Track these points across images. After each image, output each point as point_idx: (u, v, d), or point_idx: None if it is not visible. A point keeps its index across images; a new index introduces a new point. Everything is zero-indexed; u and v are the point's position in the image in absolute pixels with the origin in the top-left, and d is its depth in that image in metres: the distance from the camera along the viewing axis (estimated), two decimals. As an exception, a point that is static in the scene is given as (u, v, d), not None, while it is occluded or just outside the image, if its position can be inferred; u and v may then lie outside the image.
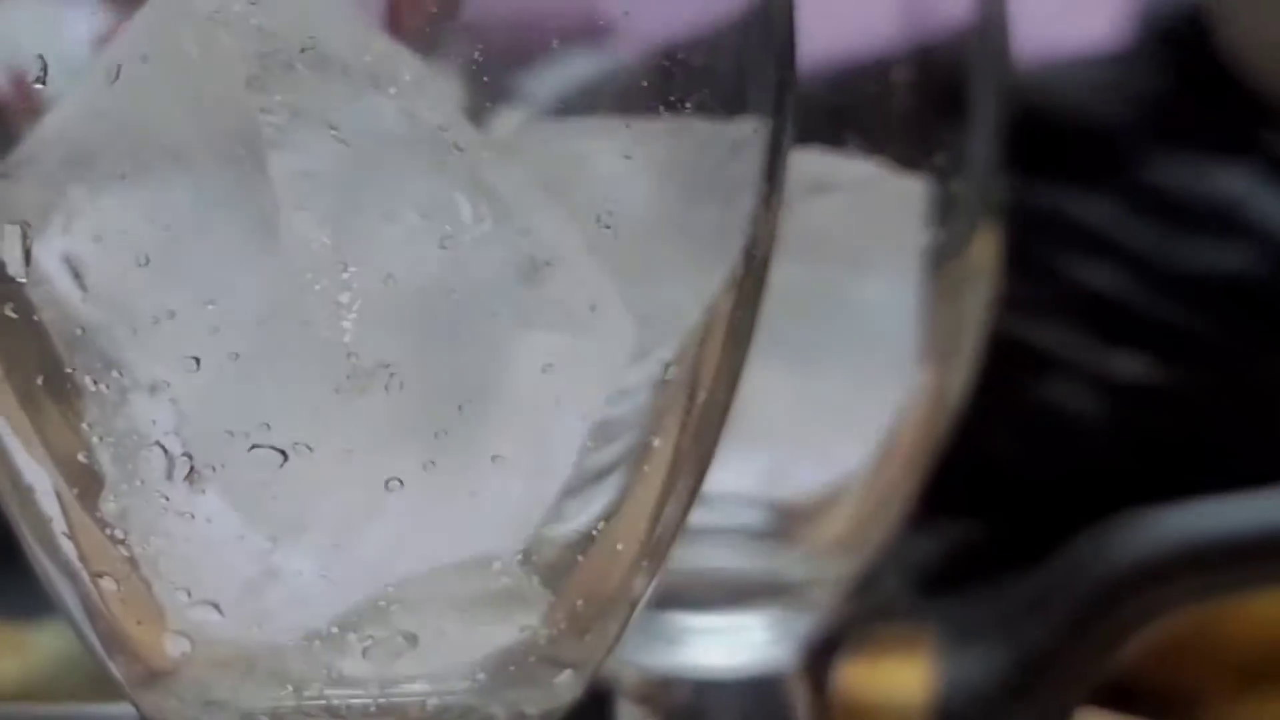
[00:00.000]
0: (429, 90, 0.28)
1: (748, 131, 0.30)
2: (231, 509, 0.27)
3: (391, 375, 0.26)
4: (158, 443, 0.26)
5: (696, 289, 0.30)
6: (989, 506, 0.79)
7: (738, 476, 0.41)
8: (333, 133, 0.27)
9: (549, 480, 0.28)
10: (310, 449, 0.26)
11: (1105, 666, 0.46)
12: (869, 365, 0.41)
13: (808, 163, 0.40)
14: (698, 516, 0.42)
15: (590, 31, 0.29)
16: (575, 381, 0.28)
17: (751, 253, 0.30)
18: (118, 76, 0.27)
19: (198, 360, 0.26)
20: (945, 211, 0.41)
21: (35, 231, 0.27)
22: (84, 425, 0.27)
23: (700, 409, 0.30)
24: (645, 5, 0.28)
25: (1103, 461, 0.79)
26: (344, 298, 0.26)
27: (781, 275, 0.39)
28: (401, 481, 0.27)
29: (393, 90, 0.28)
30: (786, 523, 0.42)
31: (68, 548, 0.28)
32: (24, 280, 0.27)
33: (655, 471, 0.30)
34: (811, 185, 0.40)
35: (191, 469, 0.26)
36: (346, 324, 0.26)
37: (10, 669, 0.53)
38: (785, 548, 0.43)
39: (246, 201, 0.27)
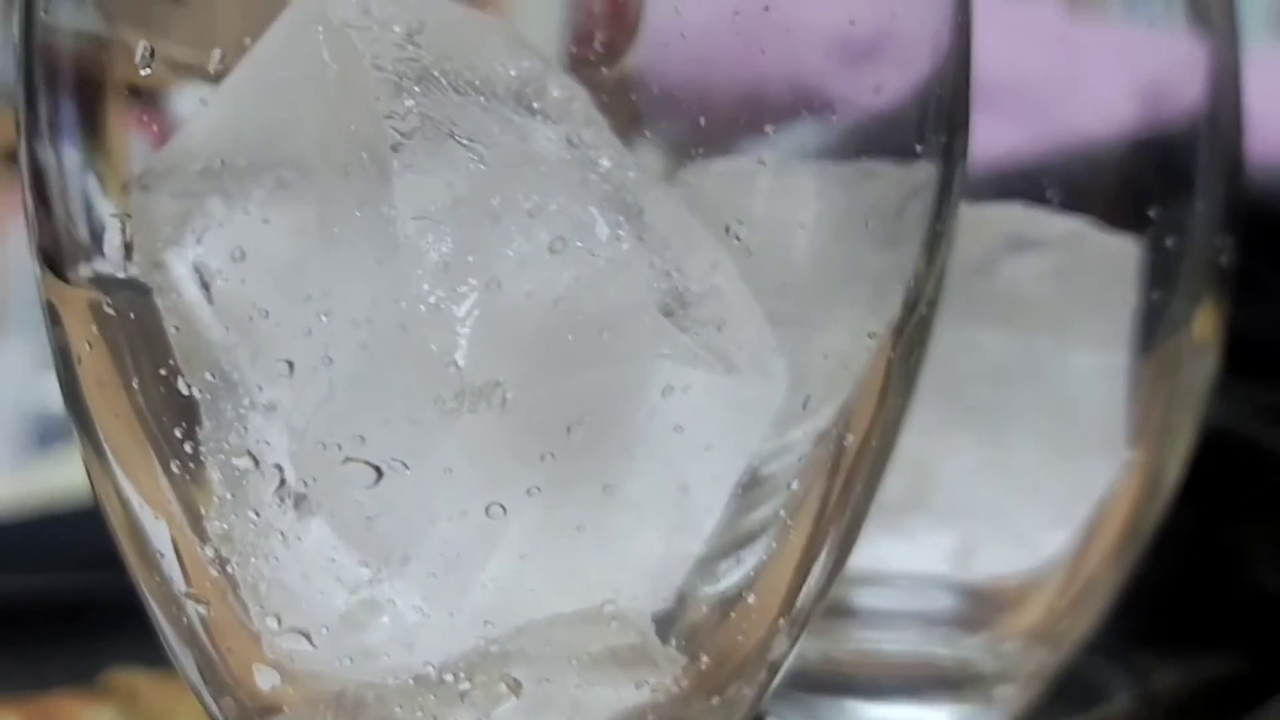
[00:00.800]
0: (578, 110, 0.27)
1: (925, 177, 0.27)
2: (327, 530, 0.25)
3: (502, 394, 0.24)
4: (250, 453, 0.25)
5: (859, 338, 0.28)
6: (1250, 638, 0.73)
7: (924, 555, 0.38)
8: (463, 144, 0.25)
9: (687, 533, 0.26)
10: (406, 466, 0.24)
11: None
12: (1071, 441, 0.38)
13: (1010, 218, 0.38)
14: (880, 598, 0.39)
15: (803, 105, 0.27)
16: (715, 423, 0.26)
17: (914, 301, 0.28)
18: (254, 86, 0.26)
19: (308, 370, 0.24)
20: (1161, 276, 0.38)
21: (170, 242, 0.26)
22: (197, 441, 0.26)
23: (853, 464, 0.28)
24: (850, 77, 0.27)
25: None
26: (460, 310, 0.24)
27: (979, 338, 0.36)
28: (504, 508, 0.24)
29: (535, 105, 0.26)
30: (976, 609, 0.39)
31: (172, 571, 0.27)
32: (154, 289, 0.26)
33: (803, 527, 0.28)
34: (1014, 242, 0.37)
35: (282, 482, 0.25)
36: (460, 338, 0.24)
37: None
38: (974, 636, 0.39)
39: (369, 211, 0.25)
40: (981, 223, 0.37)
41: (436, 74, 0.26)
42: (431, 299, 0.24)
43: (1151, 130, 0.40)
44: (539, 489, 0.24)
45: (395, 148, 0.25)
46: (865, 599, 0.39)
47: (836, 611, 0.39)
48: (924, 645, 0.39)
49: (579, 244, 0.25)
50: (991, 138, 0.40)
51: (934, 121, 0.28)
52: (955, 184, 0.28)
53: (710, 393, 0.25)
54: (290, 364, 0.25)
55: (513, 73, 0.26)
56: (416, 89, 0.25)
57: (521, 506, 0.24)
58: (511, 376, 0.24)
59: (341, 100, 0.26)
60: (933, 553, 0.38)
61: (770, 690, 0.29)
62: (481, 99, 0.26)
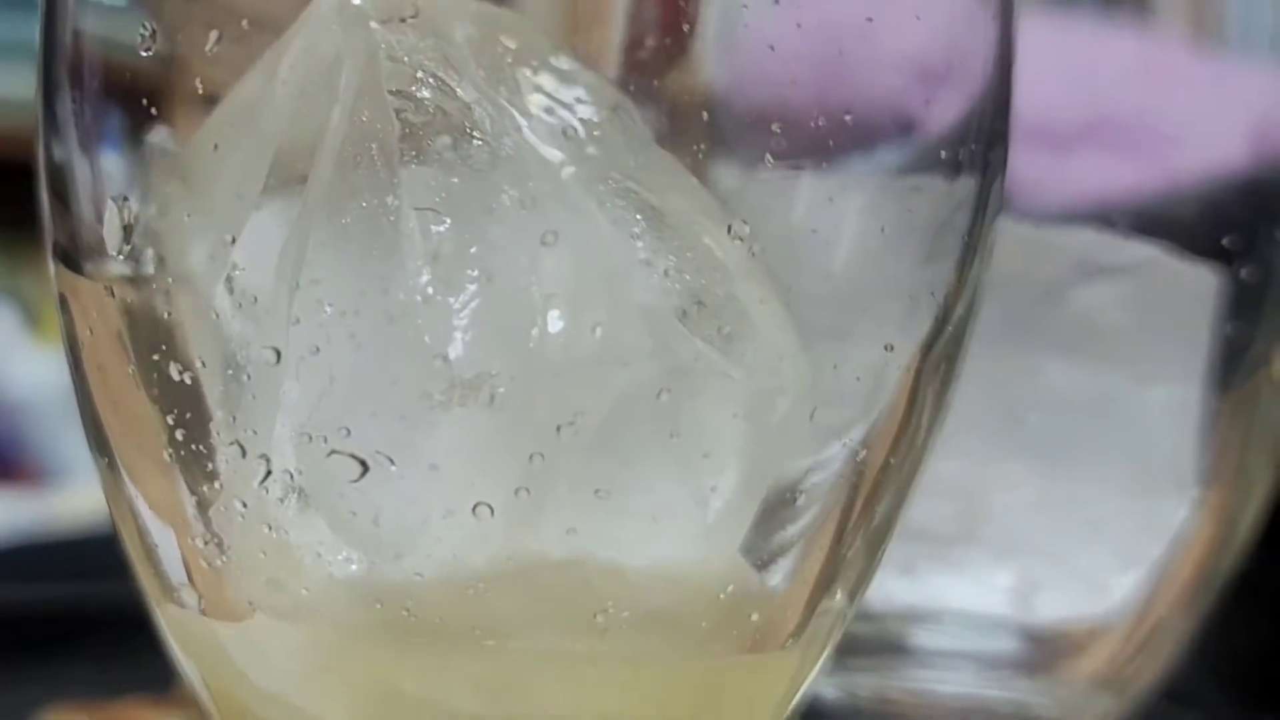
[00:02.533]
0: (602, 110, 0.26)
1: (966, 192, 0.27)
2: (315, 524, 0.24)
3: (491, 390, 0.23)
4: (238, 442, 0.24)
5: (888, 354, 0.27)
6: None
7: (982, 594, 0.37)
8: (474, 137, 0.24)
9: (686, 544, 0.25)
10: (391, 461, 0.23)
11: None
12: (1141, 480, 0.36)
13: (1080, 243, 0.36)
14: (937, 637, 0.38)
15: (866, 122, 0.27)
16: (715, 430, 0.25)
17: (944, 318, 0.27)
18: (272, 78, 0.26)
19: (297, 360, 0.24)
20: (1241, 309, 0.36)
21: (176, 231, 0.26)
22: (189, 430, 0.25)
23: (875, 483, 0.27)
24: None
25: None
26: (455, 303, 0.24)
27: (1042, 365, 0.35)
28: (491, 509, 0.23)
29: (553, 103, 0.25)
30: (1037, 652, 0.37)
31: (171, 565, 0.26)
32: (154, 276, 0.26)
33: (821, 546, 0.26)
34: (1085, 268, 0.35)
35: (269, 474, 0.24)
36: (454, 331, 0.24)
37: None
38: (1033, 680, 0.38)
39: (374, 201, 0.24)
40: (1050, 246, 0.36)
41: (451, 67, 0.25)
42: (429, 290, 0.24)
43: (1242, 167, 0.39)
44: (527, 490, 0.23)
45: (404, 138, 0.24)
46: (922, 637, 0.37)
47: (892, 649, 0.38)
48: (981, 687, 0.38)
49: (579, 241, 0.24)
50: (1109, 173, 0.39)
51: (976, 136, 0.27)
52: (993, 199, 0.27)
53: (712, 399, 0.24)
54: (278, 352, 0.24)
55: (531, 68, 0.26)
56: (431, 81, 0.25)
57: (509, 507, 0.23)
58: (503, 372, 0.23)
59: (356, 91, 0.25)
60: (991, 591, 0.36)
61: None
62: (498, 92, 0.25)
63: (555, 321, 0.24)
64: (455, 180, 0.24)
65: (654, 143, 0.26)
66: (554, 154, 0.25)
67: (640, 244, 0.25)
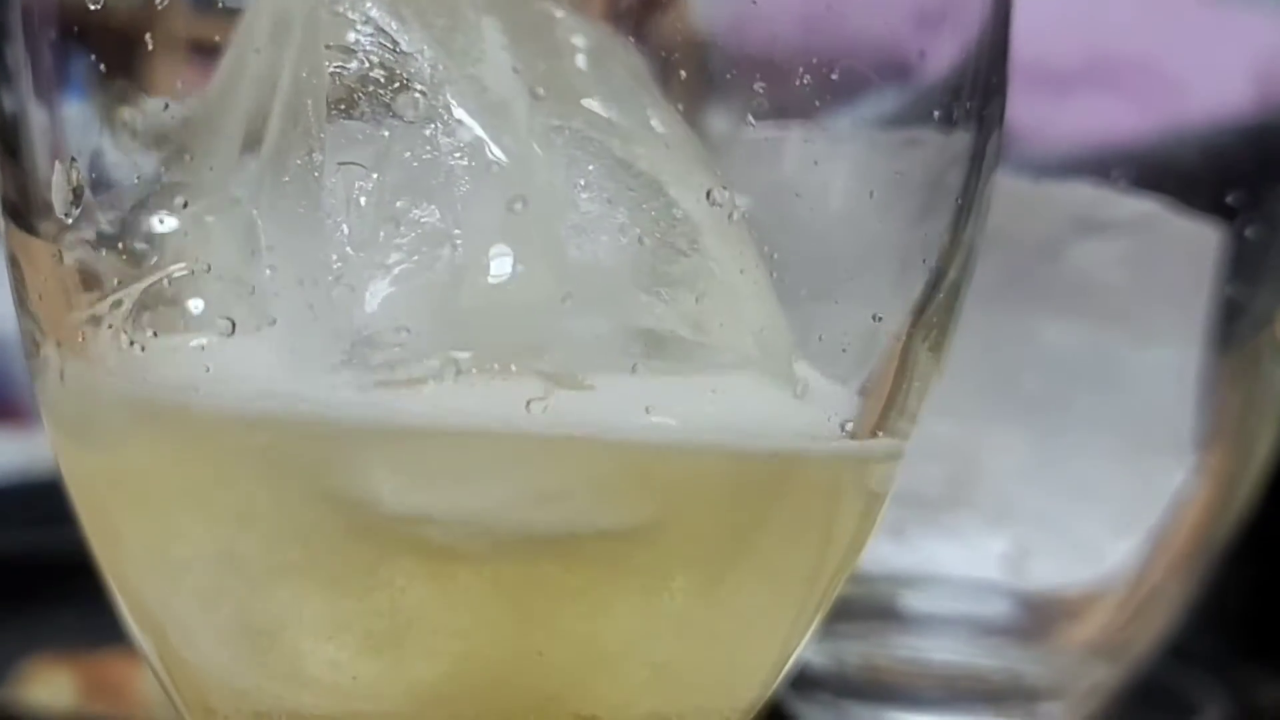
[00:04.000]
0: (580, 60, 0.25)
1: (962, 145, 0.26)
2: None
3: (456, 365, 0.22)
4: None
5: (879, 315, 0.26)
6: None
7: (974, 558, 0.36)
8: (416, 91, 0.23)
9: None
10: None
11: None
12: (1137, 443, 0.35)
13: (1077, 198, 0.35)
14: (928, 601, 0.37)
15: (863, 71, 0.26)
16: (684, 400, 0.24)
17: (937, 279, 0.26)
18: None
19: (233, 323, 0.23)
20: (1243, 268, 0.35)
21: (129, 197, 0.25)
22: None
23: (867, 446, 0.26)
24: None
25: None
26: (379, 258, 0.23)
27: (1037, 326, 0.34)
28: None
29: (516, 53, 0.24)
30: (1030, 618, 0.36)
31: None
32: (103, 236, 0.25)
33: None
34: (1082, 224, 0.34)
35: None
36: (371, 287, 0.23)
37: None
38: (1026, 647, 0.37)
39: (305, 159, 0.23)
40: (1047, 203, 0.34)
41: (397, 17, 0.24)
42: (347, 249, 0.23)
43: (1247, 113, 0.38)
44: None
45: (333, 92, 0.23)
46: (912, 603, 0.37)
47: (882, 614, 0.37)
48: (972, 655, 0.37)
49: (527, 195, 0.23)
50: (1110, 117, 0.37)
51: (972, 88, 0.26)
52: (989, 153, 0.26)
53: (682, 366, 0.23)
54: (233, 322, 0.23)
55: (502, 14, 0.25)
56: (369, 32, 0.24)
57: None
58: (458, 343, 0.22)
59: (298, 48, 0.24)
60: (983, 556, 0.35)
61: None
62: (452, 40, 0.24)
63: (489, 279, 0.23)
64: (386, 134, 0.23)
65: (651, 89, 0.25)
66: (508, 104, 0.24)
67: (599, 200, 0.24)
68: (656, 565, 0.23)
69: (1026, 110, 0.36)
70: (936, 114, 0.26)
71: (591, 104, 0.24)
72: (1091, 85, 0.38)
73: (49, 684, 0.60)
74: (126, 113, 0.25)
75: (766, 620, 0.25)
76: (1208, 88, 0.39)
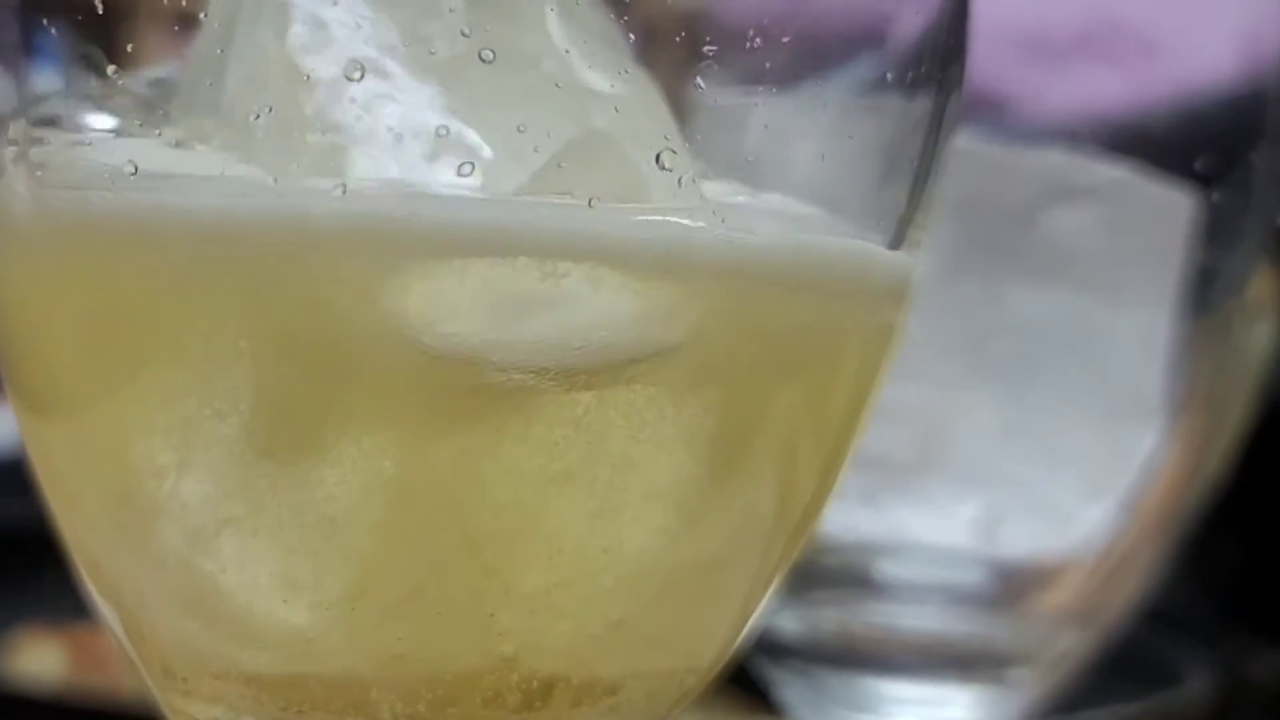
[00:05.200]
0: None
1: (923, 110, 0.26)
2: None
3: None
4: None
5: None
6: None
7: (946, 525, 0.36)
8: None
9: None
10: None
11: None
12: (1109, 408, 0.35)
13: (1050, 165, 0.35)
14: (901, 569, 0.37)
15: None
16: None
17: (896, 243, 0.26)
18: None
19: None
20: (1216, 234, 0.35)
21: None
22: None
23: (827, 415, 0.26)
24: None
25: None
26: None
27: (1008, 290, 0.34)
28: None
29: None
30: (1002, 584, 0.36)
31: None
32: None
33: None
34: (1055, 191, 0.34)
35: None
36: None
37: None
38: (998, 614, 0.37)
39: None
40: (1019, 169, 0.34)
41: None
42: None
43: (1223, 81, 0.37)
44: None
45: None
46: (885, 569, 0.37)
47: (855, 581, 0.37)
48: (944, 622, 0.37)
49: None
50: (1098, 84, 0.37)
51: (933, 51, 0.26)
52: (948, 117, 0.26)
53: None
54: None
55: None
56: None
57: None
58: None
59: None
60: (955, 523, 0.35)
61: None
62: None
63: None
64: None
65: (621, 51, 0.25)
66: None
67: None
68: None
69: (1015, 79, 0.36)
70: (899, 79, 0.26)
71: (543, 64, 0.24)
72: (1081, 54, 0.38)
73: (38, 654, 0.60)
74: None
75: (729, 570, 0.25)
76: (1191, 56, 0.39)
